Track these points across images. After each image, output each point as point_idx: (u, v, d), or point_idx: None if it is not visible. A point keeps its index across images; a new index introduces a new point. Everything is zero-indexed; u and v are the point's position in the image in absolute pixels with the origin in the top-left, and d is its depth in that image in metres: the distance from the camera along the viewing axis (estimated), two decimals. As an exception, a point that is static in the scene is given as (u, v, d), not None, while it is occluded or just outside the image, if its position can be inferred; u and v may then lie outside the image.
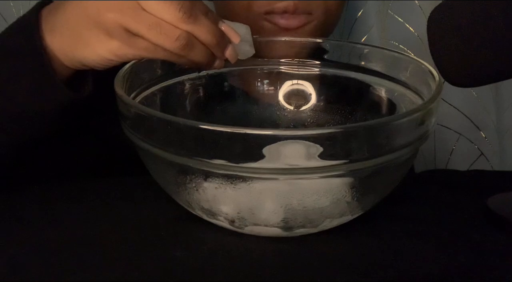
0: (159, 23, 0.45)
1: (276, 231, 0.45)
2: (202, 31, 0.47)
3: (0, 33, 0.52)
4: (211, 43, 0.48)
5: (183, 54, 0.47)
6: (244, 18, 0.64)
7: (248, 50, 0.54)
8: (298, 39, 0.61)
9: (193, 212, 0.47)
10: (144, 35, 0.46)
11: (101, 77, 0.52)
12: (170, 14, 0.45)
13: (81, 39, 0.48)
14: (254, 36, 0.61)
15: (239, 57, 0.53)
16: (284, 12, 0.62)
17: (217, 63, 0.50)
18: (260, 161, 0.40)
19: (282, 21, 0.63)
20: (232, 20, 0.54)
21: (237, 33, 0.51)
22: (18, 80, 0.49)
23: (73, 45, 0.48)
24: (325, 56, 0.61)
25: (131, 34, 0.46)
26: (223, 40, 0.50)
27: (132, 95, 0.52)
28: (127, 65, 0.52)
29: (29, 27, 0.49)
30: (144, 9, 0.45)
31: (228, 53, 0.50)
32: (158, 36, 0.46)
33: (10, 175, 0.55)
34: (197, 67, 0.52)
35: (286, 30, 0.63)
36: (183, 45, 0.46)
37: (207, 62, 0.49)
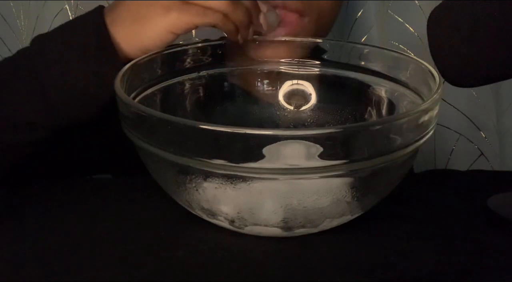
0: None
1: (276, 231, 0.45)
2: None
3: (57, 28, 0.57)
4: (249, 4, 0.56)
5: (229, 11, 0.54)
6: None
7: (274, 19, 0.61)
8: (298, 39, 0.61)
9: (193, 212, 0.47)
10: None
11: None
12: None
13: (142, 19, 0.54)
14: (254, 36, 0.61)
15: (267, 28, 0.60)
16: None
17: (250, 32, 0.58)
18: (260, 161, 0.40)
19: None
20: None
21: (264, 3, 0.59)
22: (84, 64, 0.53)
23: (135, 29, 0.54)
24: (325, 56, 0.61)
25: (185, 2, 0.53)
26: (257, 6, 0.58)
27: (132, 95, 0.52)
28: (127, 66, 0.52)
29: (94, 21, 0.55)
30: None
31: (262, 19, 0.59)
32: None
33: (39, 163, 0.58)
34: (236, 34, 0.57)
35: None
36: (229, 1, 0.54)
37: (246, 23, 0.56)
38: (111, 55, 0.54)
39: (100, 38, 0.54)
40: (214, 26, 0.55)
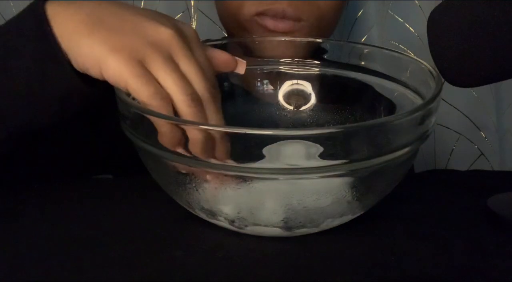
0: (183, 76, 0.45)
1: (276, 231, 0.45)
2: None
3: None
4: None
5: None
6: (235, 17, 0.65)
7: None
8: (298, 39, 0.61)
9: (193, 212, 0.47)
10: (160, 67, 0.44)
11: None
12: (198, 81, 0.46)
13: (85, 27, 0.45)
14: (253, 36, 0.62)
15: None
16: (274, 16, 0.63)
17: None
18: (260, 161, 0.40)
19: (270, 24, 0.63)
20: (227, 20, 0.57)
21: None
22: (21, 56, 0.47)
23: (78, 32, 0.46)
24: (325, 56, 0.61)
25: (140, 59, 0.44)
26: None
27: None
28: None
29: (35, 8, 0.48)
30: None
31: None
32: (173, 84, 0.44)
33: (7, 172, 0.54)
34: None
35: (274, 32, 0.63)
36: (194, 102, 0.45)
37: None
38: (49, 44, 0.46)
39: (37, 27, 0.47)
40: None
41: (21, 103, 0.48)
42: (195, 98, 0.45)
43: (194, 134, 0.41)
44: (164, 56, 0.45)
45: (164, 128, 0.42)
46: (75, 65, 0.46)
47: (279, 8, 0.62)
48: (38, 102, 0.48)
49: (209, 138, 0.41)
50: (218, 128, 0.42)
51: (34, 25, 0.47)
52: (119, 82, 0.44)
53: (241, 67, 0.50)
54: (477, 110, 0.97)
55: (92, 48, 0.45)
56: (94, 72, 0.46)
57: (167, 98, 0.44)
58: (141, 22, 0.46)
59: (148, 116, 0.42)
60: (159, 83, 0.44)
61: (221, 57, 0.50)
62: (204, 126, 0.42)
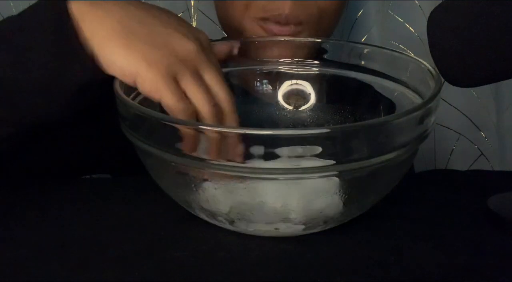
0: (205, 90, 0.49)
1: (276, 231, 0.45)
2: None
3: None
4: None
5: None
6: (239, 21, 0.64)
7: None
8: (298, 39, 0.61)
9: (193, 212, 0.47)
10: (188, 79, 0.48)
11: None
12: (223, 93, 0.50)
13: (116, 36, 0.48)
14: (253, 36, 0.62)
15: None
16: (277, 22, 0.62)
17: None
18: (259, 161, 0.40)
19: (275, 29, 0.63)
20: (228, 22, 0.58)
21: None
22: (38, 50, 0.48)
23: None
24: (325, 56, 0.61)
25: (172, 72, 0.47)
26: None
27: (132, 95, 0.52)
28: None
29: (53, 3, 0.48)
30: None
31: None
32: (197, 93, 0.48)
33: (11, 167, 0.55)
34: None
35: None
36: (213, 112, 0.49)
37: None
38: (69, 39, 0.47)
39: (56, 21, 0.47)
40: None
41: (36, 97, 0.48)
42: (218, 109, 0.49)
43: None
44: (192, 71, 0.49)
45: (190, 135, 0.43)
46: (104, 68, 0.48)
47: (282, 16, 0.62)
48: (54, 96, 0.49)
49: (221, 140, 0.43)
50: (217, 129, 0.42)
51: (54, 19, 0.48)
52: (154, 95, 0.47)
53: (236, 49, 0.57)
54: (477, 110, 0.97)
55: (129, 61, 0.47)
56: (127, 81, 0.48)
57: (194, 113, 0.48)
58: (170, 36, 0.49)
59: (170, 123, 0.42)
60: (186, 95, 0.48)
61: (222, 49, 0.57)
62: (203, 127, 0.42)
